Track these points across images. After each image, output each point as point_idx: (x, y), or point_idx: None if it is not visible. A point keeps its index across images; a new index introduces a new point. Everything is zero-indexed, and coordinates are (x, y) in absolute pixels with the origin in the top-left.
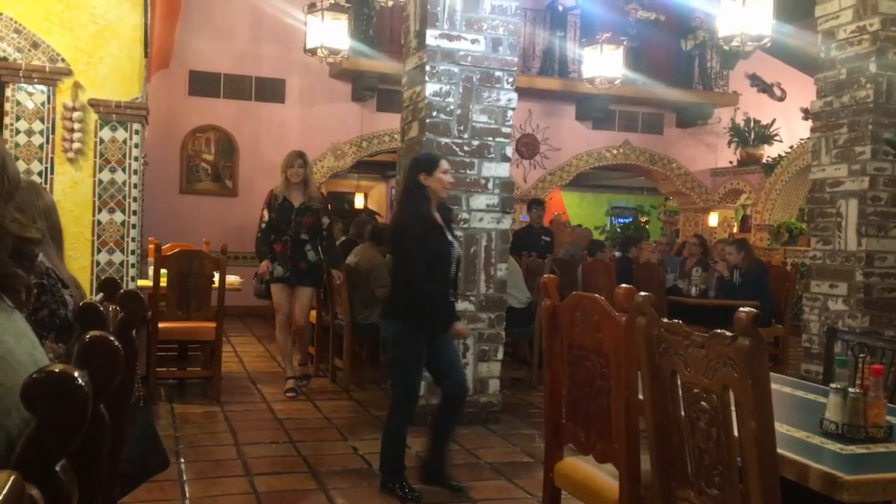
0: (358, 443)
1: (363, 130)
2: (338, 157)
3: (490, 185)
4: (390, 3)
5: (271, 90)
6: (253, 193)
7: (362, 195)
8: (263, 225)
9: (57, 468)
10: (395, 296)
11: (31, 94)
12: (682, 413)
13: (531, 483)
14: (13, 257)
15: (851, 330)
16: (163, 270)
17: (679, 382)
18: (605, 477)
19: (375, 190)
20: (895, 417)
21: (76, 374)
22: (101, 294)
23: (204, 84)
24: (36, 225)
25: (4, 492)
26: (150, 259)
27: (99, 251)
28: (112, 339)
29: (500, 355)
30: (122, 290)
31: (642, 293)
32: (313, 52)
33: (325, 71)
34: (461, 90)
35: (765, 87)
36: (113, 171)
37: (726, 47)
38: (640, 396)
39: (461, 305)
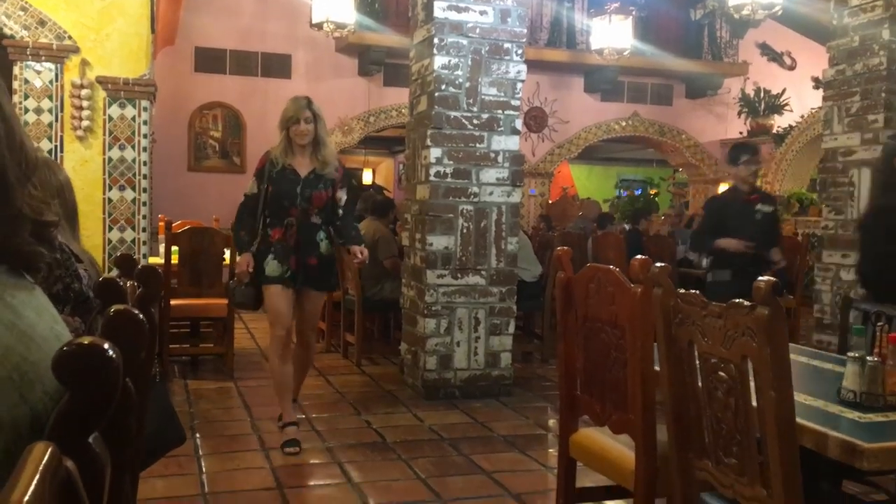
0: (371, 417)
1: (370, 105)
2: (345, 133)
3: (500, 159)
4: None
5: (278, 65)
6: None
7: (370, 171)
8: (243, 200)
9: (90, 440)
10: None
11: (38, 73)
12: (700, 383)
13: (544, 455)
14: (34, 236)
15: (864, 299)
16: (174, 248)
17: (696, 353)
18: (621, 447)
19: (383, 165)
20: None
21: (107, 345)
22: (117, 270)
23: (210, 60)
24: (53, 206)
25: (43, 463)
26: (161, 236)
27: (110, 229)
28: (136, 311)
29: (511, 329)
30: (139, 266)
31: (658, 264)
32: (319, 26)
33: (332, 45)
34: (470, 63)
35: (775, 56)
36: (122, 148)
37: (737, 16)
38: (657, 367)
39: (472, 279)
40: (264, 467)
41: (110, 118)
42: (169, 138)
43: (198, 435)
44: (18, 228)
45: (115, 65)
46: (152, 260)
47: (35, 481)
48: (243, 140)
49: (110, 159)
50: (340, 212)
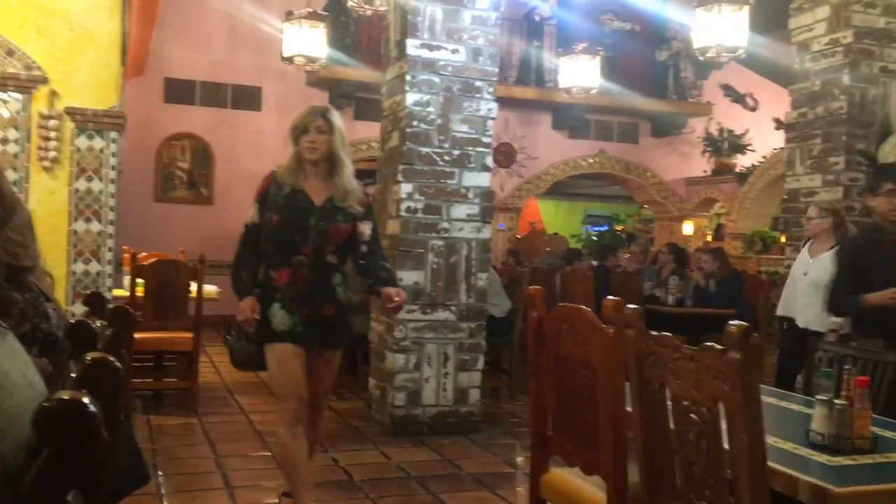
0: (338, 454)
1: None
2: None
3: (470, 195)
4: (368, 12)
5: (248, 98)
6: (230, 202)
7: None
8: (243, 233)
9: (69, 497)
10: None
11: (5, 102)
12: (672, 426)
13: (513, 494)
14: (8, 281)
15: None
16: (139, 280)
17: (668, 395)
18: (591, 489)
19: None
20: (879, 429)
21: (87, 400)
22: (85, 308)
23: (180, 91)
24: (30, 250)
25: None
26: (125, 268)
27: (75, 261)
28: (114, 361)
29: (480, 365)
30: (110, 306)
31: (631, 305)
32: (290, 60)
33: (303, 79)
34: (441, 100)
35: (738, 98)
36: (90, 180)
37: (702, 58)
38: (628, 408)
39: (441, 315)
40: None
41: (78, 149)
42: (136, 168)
43: (160, 473)
44: None
45: (85, 96)
46: (116, 293)
47: None
48: (211, 171)
49: (77, 190)
50: (364, 248)
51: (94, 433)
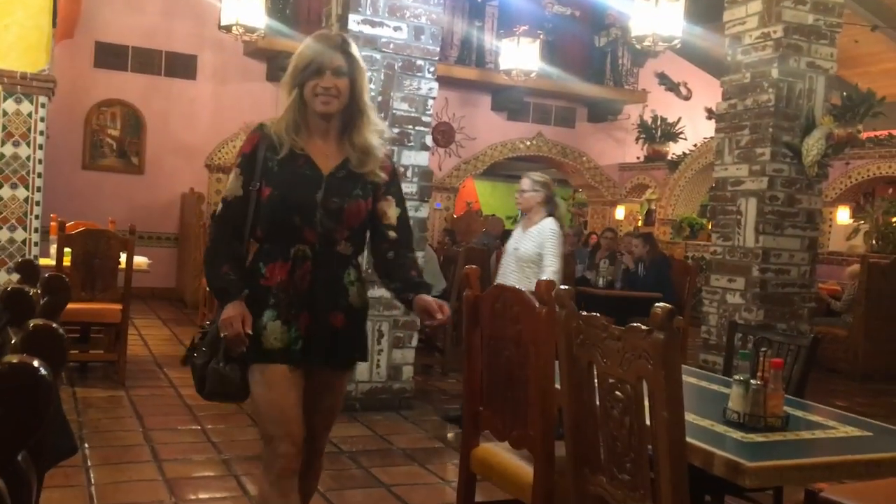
0: None
1: (278, 111)
2: None
3: (409, 174)
4: None
5: (182, 66)
6: (161, 172)
7: None
8: (221, 209)
9: (19, 458)
10: None
11: None
12: (598, 402)
13: (443, 468)
14: None
15: (748, 323)
16: (66, 249)
17: (595, 373)
18: (520, 462)
19: None
20: (791, 408)
21: (37, 364)
22: (18, 276)
23: (111, 56)
24: None
25: None
26: (52, 237)
27: (0, 228)
28: (57, 327)
29: (414, 342)
30: (45, 274)
31: (562, 286)
32: (228, 28)
33: (240, 49)
34: (382, 77)
35: (672, 86)
36: (17, 145)
37: (638, 46)
38: (557, 385)
39: (377, 292)
40: (157, 479)
41: (4, 113)
42: (63, 134)
43: (87, 445)
44: None
45: (13, 58)
46: (43, 262)
47: None
48: (143, 140)
49: (2, 156)
50: (393, 234)
51: (45, 395)
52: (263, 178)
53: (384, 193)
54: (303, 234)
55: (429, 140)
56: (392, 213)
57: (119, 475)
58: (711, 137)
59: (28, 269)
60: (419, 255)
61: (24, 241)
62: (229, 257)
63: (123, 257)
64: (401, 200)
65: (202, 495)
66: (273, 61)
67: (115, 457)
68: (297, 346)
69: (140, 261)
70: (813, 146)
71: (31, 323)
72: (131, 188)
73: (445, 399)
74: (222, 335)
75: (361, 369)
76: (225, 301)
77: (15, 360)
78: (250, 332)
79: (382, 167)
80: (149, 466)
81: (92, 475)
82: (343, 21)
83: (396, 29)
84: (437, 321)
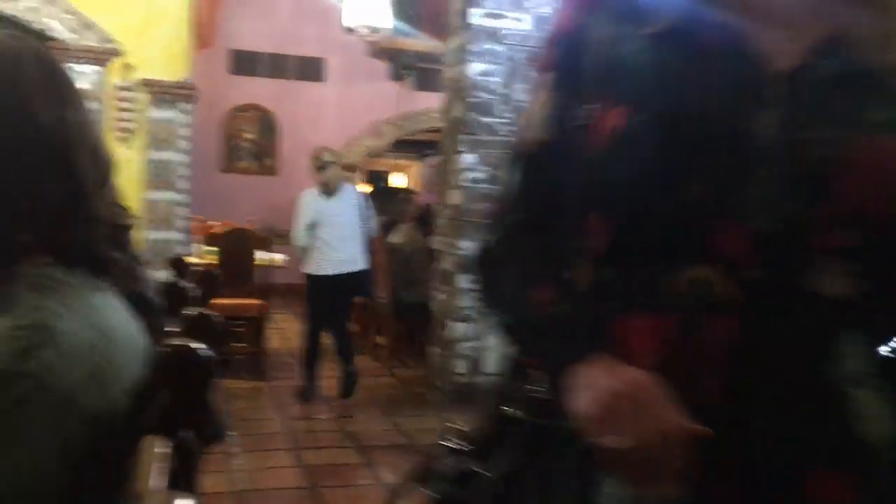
0: (400, 419)
1: (401, 109)
2: (376, 137)
3: None
4: None
5: (311, 69)
6: (294, 172)
7: (400, 174)
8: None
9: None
10: None
11: (82, 75)
12: None
13: None
14: (108, 241)
15: None
16: (212, 248)
17: None
18: None
19: (412, 169)
20: None
21: (202, 347)
22: (171, 272)
23: (245, 63)
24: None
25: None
26: (194, 237)
27: (148, 229)
28: (216, 316)
29: None
30: (200, 270)
31: None
32: (353, 30)
33: (365, 50)
34: (505, 69)
35: None
36: (163, 150)
37: None
38: None
39: None
40: (297, 466)
41: (152, 120)
42: (202, 139)
43: (233, 433)
44: (96, 233)
45: (158, 68)
46: (188, 260)
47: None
48: (276, 142)
49: (150, 161)
50: None
51: (208, 377)
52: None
53: None
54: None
55: None
56: None
57: (263, 462)
58: None
59: (179, 266)
60: None
61: (170, 241)
62: (529, 268)
63: (259, 255)
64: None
65: (339, 483)
66: (397, 60)
67: (258, 444)
68: None
69: (277, 257)
70: None
71: (193, 311)
72: (265, 189)
73: None
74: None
75: (490, 361)
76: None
77: (183, 343)
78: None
79: None
80: (289, 454)
81: (238, 461)
82: (464, 16)
83: (518, 20)
84: None
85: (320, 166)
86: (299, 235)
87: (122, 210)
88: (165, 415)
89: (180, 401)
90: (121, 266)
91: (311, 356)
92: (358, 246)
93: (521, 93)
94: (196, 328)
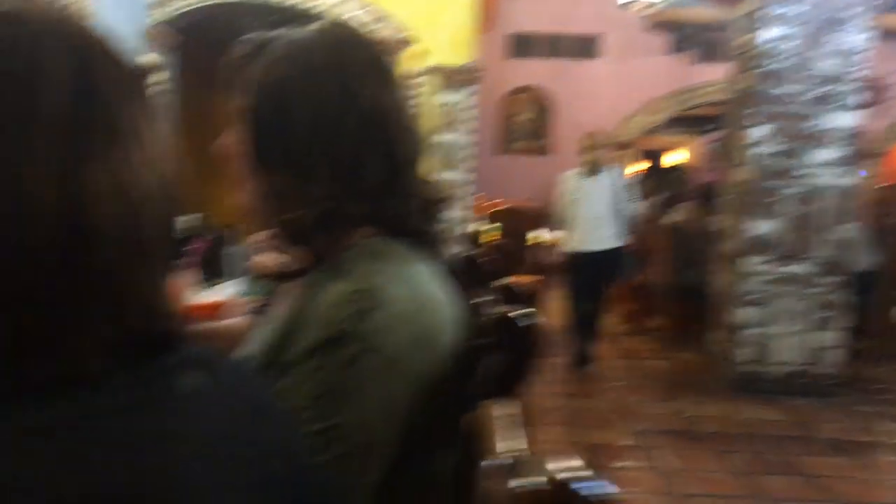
0: (678, 404)
1: (679, 84)
2: (652, 113)
3: (831, 138)
4: None
5: (587, 47)
6: (569, 151)
7: (678, 152)
8: None
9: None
10: None
11: None
12: None
13: (875, 463)
14: (422, 214)
15: None
16: (494, 225)
17: None
18: None
19: (690, 146)
20: None
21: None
22: (469, 246)
23: (521, 45)
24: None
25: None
26: (475, 215)
27: None
28: (535, 282)
29: (840, 324)
30: (494, 244)
31: None
32: (629, 4)
33: (642, 24)
34: (800, 35)
35: None
36: (450, 132)
37: None
38: None
39: (796, 268)
40: (574, 442)
41: (441, 104)
42: (482, 121)
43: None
44: (412, 207)
45: (446, 53)
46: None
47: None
48: (551, 123)
49: (440, 143)
50: None
51: (539, 339)
52: None
53: None
54: None
55: (854, 100)
56: None
57: (538, 435)
58: None
59: (473, 240)
60: (846, 227)
61: (458, 219)
62: None
63: (533, 233)
64: None
65: (613, 463)
66: (677, 32)
67: (534, 420)
68: None
69: (548, 236)
70: None
71: (507, 281)
72: (540, 168)
73: (877, 389)
74: None
75: (777, 350)
76: None
77: (515, 311)
78: None
79: None
80: (563, 430)
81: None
82: None
83: None
84: None
85: (586, 147)
86: (559, 214)
87: (434, 186)
88: (501, 380)
89: (513, 365)
90: (435, 238)
91: (580, 329)
92: (614, 227)
93: (817, 59)
94: (507, 298)
